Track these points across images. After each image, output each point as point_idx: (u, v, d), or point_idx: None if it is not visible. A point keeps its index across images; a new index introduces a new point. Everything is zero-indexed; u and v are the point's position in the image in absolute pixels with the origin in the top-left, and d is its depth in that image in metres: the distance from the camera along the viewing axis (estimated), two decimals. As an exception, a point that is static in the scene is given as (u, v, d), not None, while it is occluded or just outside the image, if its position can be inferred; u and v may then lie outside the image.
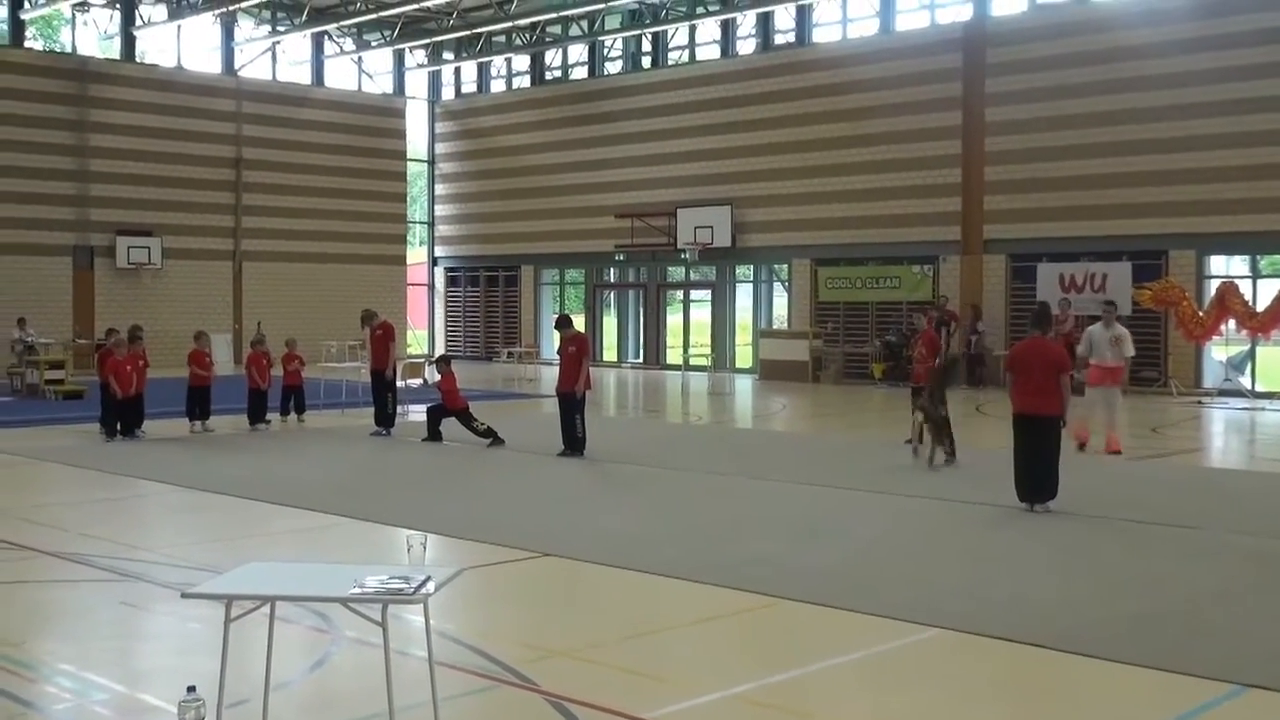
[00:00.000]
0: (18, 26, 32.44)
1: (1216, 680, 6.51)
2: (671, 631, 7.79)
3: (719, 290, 33.30)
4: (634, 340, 35.56)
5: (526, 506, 12.11)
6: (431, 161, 40.49)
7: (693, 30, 33.76)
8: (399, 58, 38.73)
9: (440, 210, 40.31)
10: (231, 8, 32.04)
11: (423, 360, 25.67)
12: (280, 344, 20.48)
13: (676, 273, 34.54)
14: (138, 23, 33.54)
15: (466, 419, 16.82)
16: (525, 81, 38.04)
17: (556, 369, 16.41)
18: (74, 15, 33.44)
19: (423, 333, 40.54)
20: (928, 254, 28.55)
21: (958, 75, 28.01)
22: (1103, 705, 6.37)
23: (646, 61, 35.10)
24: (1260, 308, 22.98)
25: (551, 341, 33.95)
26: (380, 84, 38.84)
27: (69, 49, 33.75)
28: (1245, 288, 23.87)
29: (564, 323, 16.29)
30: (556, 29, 35.32)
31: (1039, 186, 26.75)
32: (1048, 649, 7.08)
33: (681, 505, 12.23)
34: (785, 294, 31.98)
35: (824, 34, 31.24)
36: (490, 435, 16.60)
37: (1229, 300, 22.49)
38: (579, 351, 15.65)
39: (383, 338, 18.32)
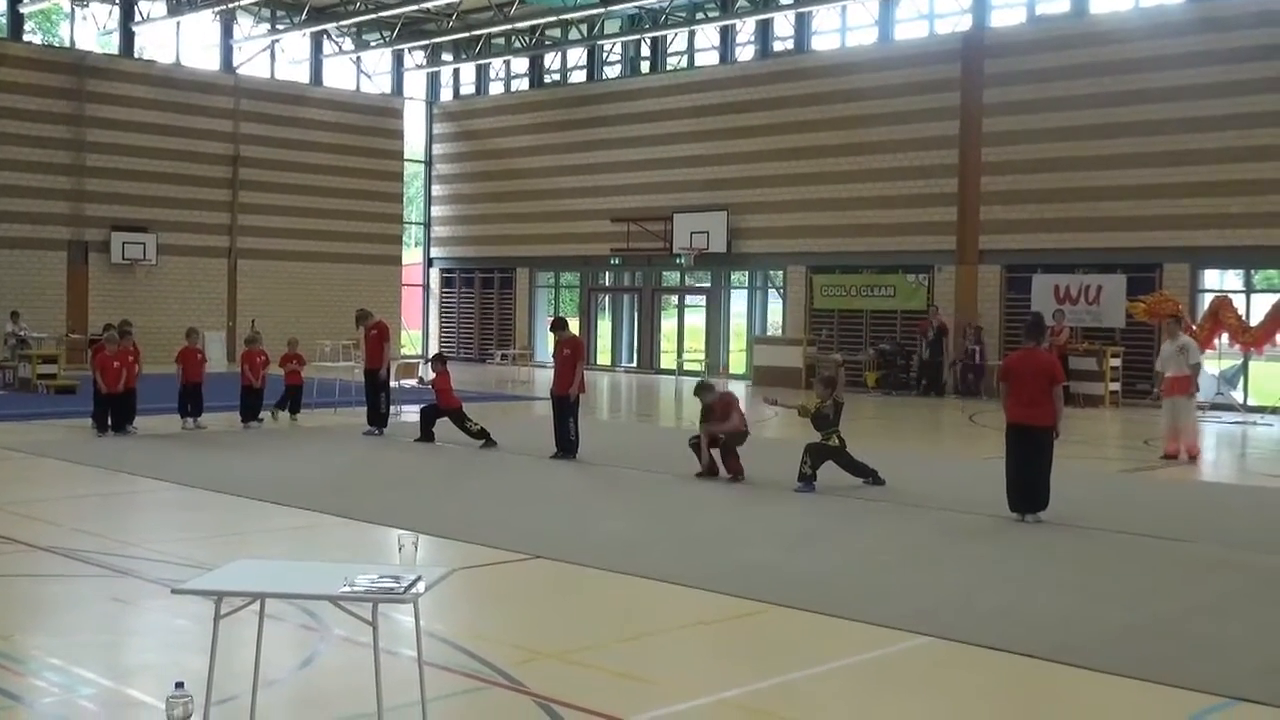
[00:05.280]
0: (16, 20, 32.39)
1: (1206, 693, 6.51)
2: (662, 635, 7.79)
3: (714, 296, 33.31)
4: (628, 344, 35.56)
5: (518, 508, 12.10)
6: (428, 162, 40.47)
7: (692, 36, 33.79)
8: (398, 58, 38.73)
9: (436, 211, 40.29)
10: (231, 5, 31.99)
11: (417, 361, 25.67)
12: (274, 341, 20.44)
13: (672, 278, 34.53)
14: (137, 18, 33.50)
15: (460, 419, 16.81)
16: (524, 84, 38.05)
17: (551, 371, 16.40)
18: (73, 10, 33.38)
19: (417, 333, 40.52)
20: (923, 263, 28.57)
21: (956, 85, 28.04)
22: (1092, 716, 6.38)
23: (645, 66, 35.12)
24: (1254, 322, 23.02)
25: (546, 344, 33.96)
26: (379, 84, 38.82)
27: (68, 44, 33.70)
28: (1239, 302, 23.92)
29: (559, 325, 16.31)
30: (556, 32, 35.34)
31: (1035, 197, 26.78)
32: (1038, 659, 7.08)
33: (673, 510, 12.22)
34: (780, 301, 31.99)
35: (823, 42, 31.27)
36: (483, 436, 16.60)
37: (1223, 314, 22.52)
38: (573, 355, 15.64)
39: (377, 337, 18.31)
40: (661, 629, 7.93)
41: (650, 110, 33.75)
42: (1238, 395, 24.67)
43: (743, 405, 14.46)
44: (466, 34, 34.68)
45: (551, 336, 16.49)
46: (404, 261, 39.64)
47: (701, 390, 14.44)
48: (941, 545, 10.59)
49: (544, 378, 24.96)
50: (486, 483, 13.77)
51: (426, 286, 40.46)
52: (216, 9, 32.34)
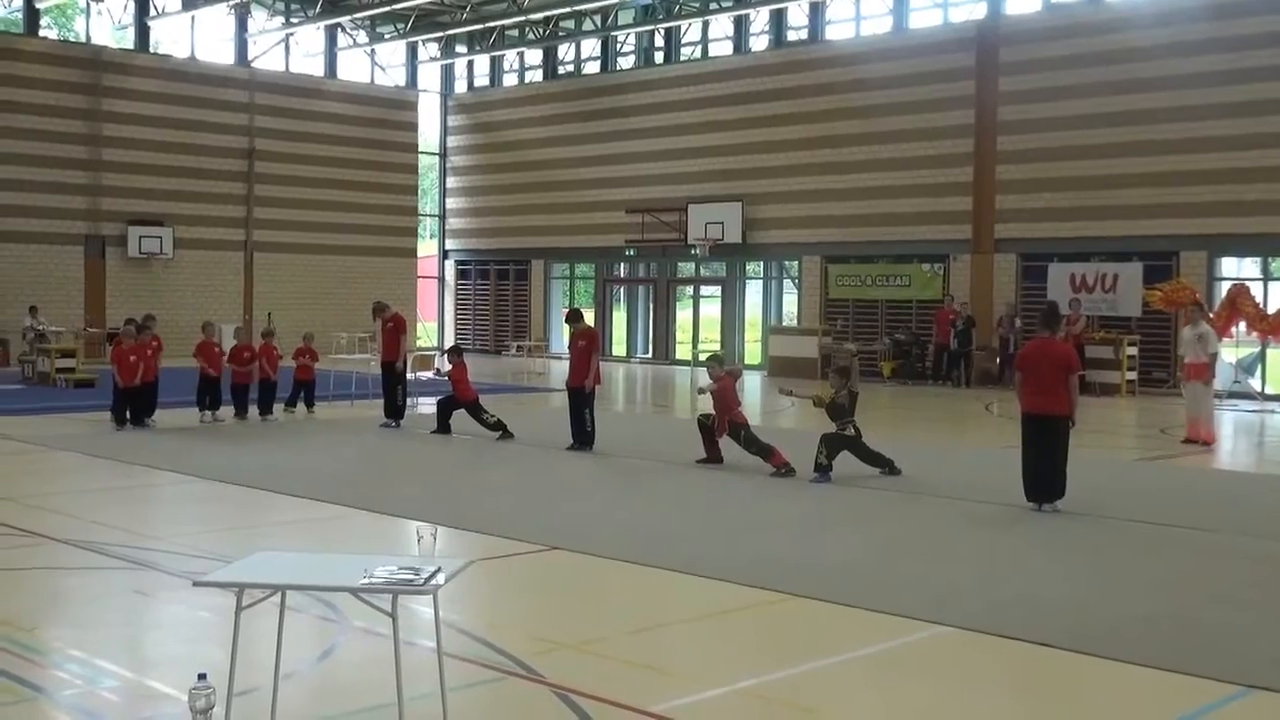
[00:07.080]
0: (32, 15, 32.50)
1: (1222, 681, 6.52)
2: (679, 626, 7.81)
3: (729, 286, 33.29)
4: (643, 335, 35.57)
5: (535, 500, 12.13)
6: (443, 154, 40.51)
7: (705, 26, 33.75)
8: (412, 50, 38.75)
9: (451, 203, 40.34)
10: (245, -1, 32.06)
11: (433, 353, 25.74)
12: (290, 336, 20.48)
13: (687, 268, 34.53)
14: (152, 13, 33.58)
15: (476, 411, 16.86)
16: (538, 75, 38.04)
17: (566, 363, 16.43)
18: (88, 5, 33.48)
19: (432, 325, 40.58)
20: (938, 253, 28.51)
21: (970, 74, 27.95)
22: (1109, 705, 6.38)
23: (659, 57, 35.07)
24: (1271, 310, 22.92)
25: (561, 335, 34.00)
26: (393, 76, 38.86)
27: (83, 38, 33.81)
28: (1257, 290, 23.82)
29: (575, 317, 16.33)
30: (569, 23, 35.32)
31: (1050, 186, 26.70)
32: (1055, 648, 7.09)
33: (690, 500, 12.24)
34: (795, 291, 31.96)
35: (837, 31, 31.20)
36: (500, 428, 16.64)
37: (1240, 302, 22.41)
38: (589, 346, 15.65)
39: (394, 330, 18.35)
40: (679, 619, 7.95)
41: (664, 101, 33.73)
42: (1255, 383, 24.59)
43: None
44: (480, 25, 34.68)
45: (567, 328, 16.50)
46: (419, 254, 39.69)
47: (710, 361, 14.77)
48: (958, 535, 10.60)
49: (560, 369, 24.98)
50: (503, 474, 13.80)
51: (442, 278, 40.52)
52: (231, 3, 32.40)
